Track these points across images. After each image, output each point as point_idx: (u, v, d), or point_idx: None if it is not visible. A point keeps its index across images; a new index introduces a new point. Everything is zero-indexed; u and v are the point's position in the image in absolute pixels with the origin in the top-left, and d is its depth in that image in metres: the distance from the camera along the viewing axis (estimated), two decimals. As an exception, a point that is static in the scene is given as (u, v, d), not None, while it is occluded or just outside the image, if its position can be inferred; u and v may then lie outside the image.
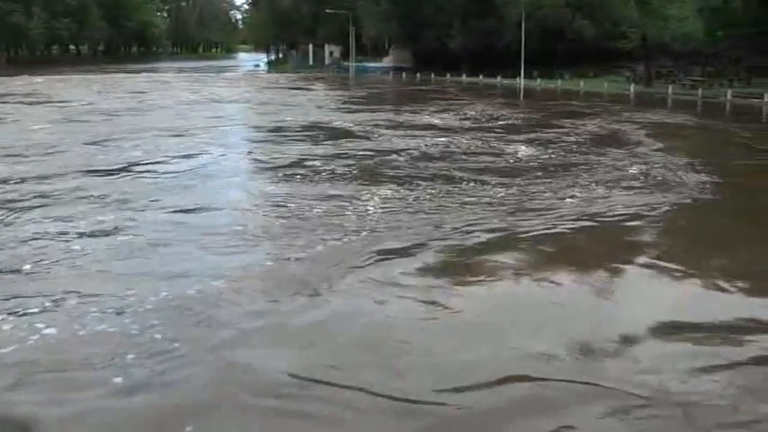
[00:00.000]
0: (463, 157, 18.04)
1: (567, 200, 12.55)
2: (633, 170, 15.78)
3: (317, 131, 23.90)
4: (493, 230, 10.37)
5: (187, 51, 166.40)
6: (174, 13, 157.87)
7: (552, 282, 8.25)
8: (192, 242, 9.67)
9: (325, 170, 15.48)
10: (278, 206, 11.95)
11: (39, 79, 55.53)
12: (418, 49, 68.99)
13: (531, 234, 10.21)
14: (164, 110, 31.82)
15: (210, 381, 5.71)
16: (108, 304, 7.18)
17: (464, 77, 59.29)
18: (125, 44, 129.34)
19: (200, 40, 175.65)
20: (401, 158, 17.57)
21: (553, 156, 18.15)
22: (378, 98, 42.70)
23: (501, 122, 27.21)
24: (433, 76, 61.26)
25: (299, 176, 14.82)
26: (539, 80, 52.59)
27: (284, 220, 10.90)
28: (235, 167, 16.91)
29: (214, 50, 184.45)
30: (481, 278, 8.43)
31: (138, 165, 16.54)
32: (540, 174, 15.28)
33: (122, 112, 29.95)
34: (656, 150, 19.21)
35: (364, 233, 10.02)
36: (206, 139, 21.32)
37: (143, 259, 8.87)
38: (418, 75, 63.88)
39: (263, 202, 12.58)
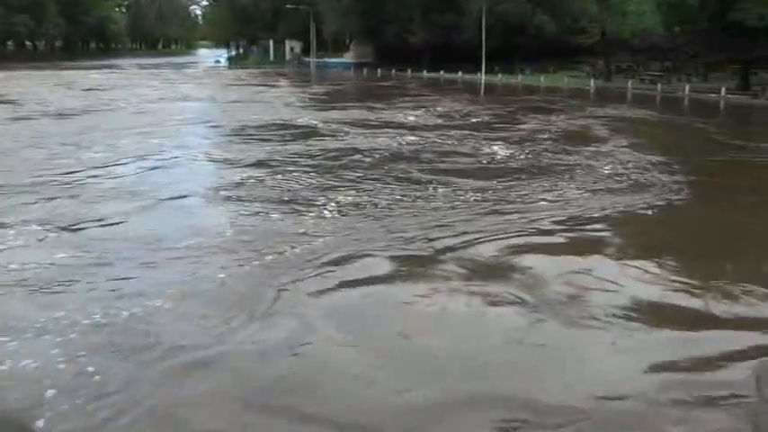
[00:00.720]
0: (434, 157, 17.44)
1: (542, 203, 12.24)
2: (607, 170, 15.40)
3: (284, 131, 23.03)
4: (462, 234, 10.08)
5: (146, 47, 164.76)
6: (132, 8, 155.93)
7: (511, 297, 7.72)
8: (134, 258, 8.95)
9: (287, 171, 14.96)
10: (236, 212, 11.48)
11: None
12: (379, 44, 68.82)
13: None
14: (122, 109, 30.50)
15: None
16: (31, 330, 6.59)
17: (425, 73, 59.22)
18: (83, 40, 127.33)
19: (159, 36, 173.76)
20: (368, 159, 16.90)
21: (529, 156, 17.62)
22: (343, 95, 41.87)
23: (470, 120, 26.70)
24: (393, 71, 61.20)
25: (257, 179, 14.18)
26: (500, 75, 52.70)
27: (237, 228, 10.35)
28: (192, 170, 15.94)
29: (174, 47, 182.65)
30: (435, 298, 7.72)
31: (88, 170, 15.43)
32: (518, 175, 14.76)
33: (77, 112, 28.88)
34: (627, 147, 18.93)
35: (318, 242, 9.55)
36: (166, 140, 20.32)
37: (75, 278, 8.15)
38: (379, 70, 63.75)
39: (220, 208, 12.09)
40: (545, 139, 20.79)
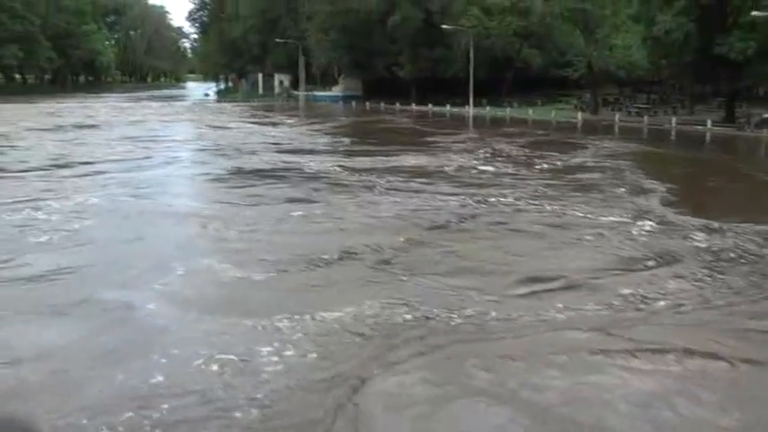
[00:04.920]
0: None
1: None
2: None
3: (311, 182, 19.47)
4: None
5: (135, 80, 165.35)
6: (122, 42, 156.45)
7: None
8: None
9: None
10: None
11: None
12: (368, 77, 69.22)
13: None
14: (110, 158, 25.24)
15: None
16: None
17: (414, 106, 59.44)
18: (73, 73, 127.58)
19: (148, 69, 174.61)
20: (430, 252, 11.88)
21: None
22: (345, 132, 38.07)
23: (506, 162, 24.00)
24: (382, 104, 61.43)
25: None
26: (488, 108, 53.01)
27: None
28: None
29: (163, 79, 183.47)
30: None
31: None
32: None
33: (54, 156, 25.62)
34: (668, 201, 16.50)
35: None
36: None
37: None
38: (368, 104, 64.06)
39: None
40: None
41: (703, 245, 12.08)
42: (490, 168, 22.44)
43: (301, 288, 9.79)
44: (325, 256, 11.18)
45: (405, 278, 10.15)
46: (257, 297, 9.45)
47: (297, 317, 8.39)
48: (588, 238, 12.72)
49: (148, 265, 10.82)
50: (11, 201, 16.13)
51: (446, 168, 22.39)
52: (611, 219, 14.21)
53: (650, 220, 14.04)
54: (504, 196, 16.88)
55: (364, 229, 13.46)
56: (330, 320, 8.38)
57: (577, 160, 24.75)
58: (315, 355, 7.46)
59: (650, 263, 10.96)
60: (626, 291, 9.45)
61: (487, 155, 26.24)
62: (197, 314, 8.70)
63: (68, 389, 6.75)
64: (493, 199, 16.54)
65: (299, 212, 14.99)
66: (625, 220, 14.11)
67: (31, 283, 10.08)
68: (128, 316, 8.70)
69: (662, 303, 9.03)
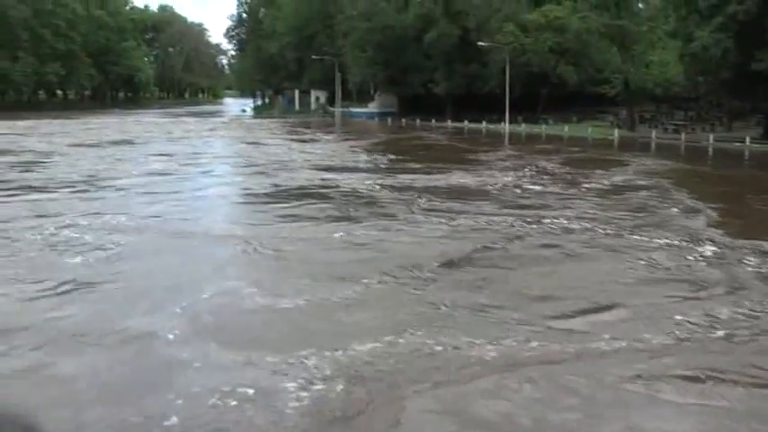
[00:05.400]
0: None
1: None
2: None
3: (334, 198, 19.67)
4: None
5: (173, 96, 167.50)
6: (161, 58, 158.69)
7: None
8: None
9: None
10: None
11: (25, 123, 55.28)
12: (403, 94, 69.44)
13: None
14: (151, 177, 24.82)
15: None
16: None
17: (449, 123, 59.57)
18: (112, 89, 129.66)
19: (186, 86, 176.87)
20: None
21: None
22: (389, 150, 36.49)
23: (541, 182, 23.25)
24: (418, 121, 61.57)
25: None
26: (523, 125, 52.94)
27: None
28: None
29: (200, 95, 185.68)
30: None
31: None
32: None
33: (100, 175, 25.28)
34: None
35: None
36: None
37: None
38: (403, 120, 64.25)
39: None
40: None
41: (760, 269, 11.75)
42: (535, 187, 22.03)
43: (336, 315, 9.39)
44: (365, 281, 10.86)
45: (445, 306, 9.67)
46: (286, 325, 9.10)
47: (327, 353, 7.88)
48: (640, 262, 12.23)
49: (176, 288, 10.58)
50: (42, 217, 16.24)
51: (489, 187, 22.04)
52: (662, 242, 13.86)
53: (701, 243, 13.69)
54: (553, 217, 16.41)
55: (406, 251, 13.06)
56: (363, 353, 7.95)
57: (620, 178, 24.45)
58: (342, 388, 7.09)
59: (706, 290, 10.62)
60: (681, 318, 9.18)
61: (531, 172, 25.92)
62: (220, 345, 8.27)
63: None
64: (544, 220, 16.01)
65: (339, 233, 14.59)
66: (676, 242, 13.79)
67: (44, 299, 10.08)
68: (147, 346, 8.32)
69: (719, 333, 8.72)
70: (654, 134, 43.21)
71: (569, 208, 17.90)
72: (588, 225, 15.57)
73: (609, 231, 14.95)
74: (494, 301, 9.95)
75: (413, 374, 7.49)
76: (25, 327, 9.00)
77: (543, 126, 52.21)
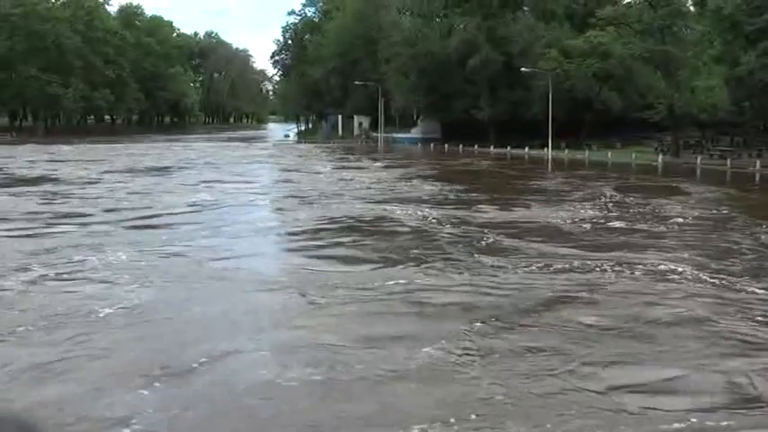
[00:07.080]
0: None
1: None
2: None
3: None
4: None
5: (218, 121, 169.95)
6: (206, 84, 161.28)
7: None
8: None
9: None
10: None
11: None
12: (446, 119, 69.59)
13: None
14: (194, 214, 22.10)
15: None
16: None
17: (492, 149, 59.34)
18: (158, 114, 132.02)
19: (231, 111, 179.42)
20: None
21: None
22: (436, 177, 35.31)
23: (616, 216, 21.19)
24: (461, 147, 61.52)
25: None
26: (566, 151, 52.81)
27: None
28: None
29: (245, 120, 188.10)
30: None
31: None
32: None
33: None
34: None
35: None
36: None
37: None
38: (446, 146, 64.25)
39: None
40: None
41: None
42: (616, 224, 19.52)
43: (384, 392, 7.71)
44: (427, 350, 8.71)
45: (501, 396, 7.49)
46: (325, 407, 7.36)
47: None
48: (758, 318, 10.13)
49: (200, 344, 9.09)
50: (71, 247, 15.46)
51: (554, 221, 19.92)
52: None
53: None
54: (642, 261, 14.02)
55: (469, 302, 11.10)
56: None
57: (696, 213, 22.02)
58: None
59: None
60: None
61: (598, 204, 23.84)
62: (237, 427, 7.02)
63: None
64: (639, 265, 13.51)
65: (394, 281, 12.35)
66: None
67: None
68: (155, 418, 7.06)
69: None
70: (699, 160, 42.74)
71: (657, 249, 15.60)
72: (686, 269, 13.26)
73: (708, 279, 12.53)
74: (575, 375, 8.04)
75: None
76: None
77: (587, 152, 51.96)
